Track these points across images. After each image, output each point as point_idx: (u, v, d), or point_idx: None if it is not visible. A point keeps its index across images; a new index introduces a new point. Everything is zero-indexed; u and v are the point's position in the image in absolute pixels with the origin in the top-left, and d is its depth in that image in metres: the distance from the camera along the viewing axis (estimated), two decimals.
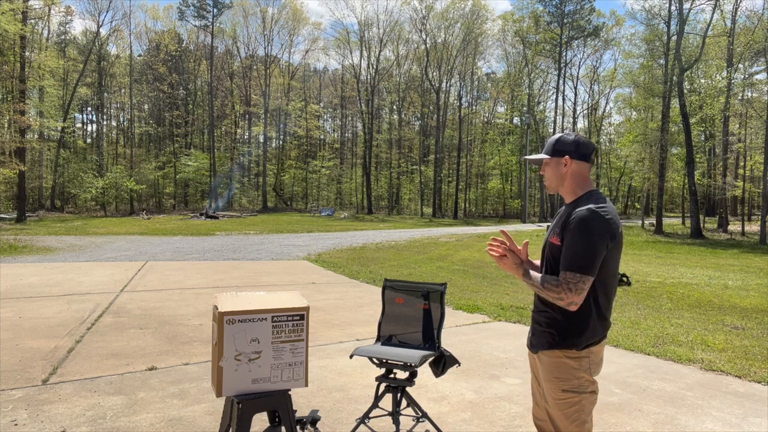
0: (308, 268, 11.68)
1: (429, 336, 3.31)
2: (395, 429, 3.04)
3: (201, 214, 36.51)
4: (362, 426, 3.27)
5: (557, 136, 2.29)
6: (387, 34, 50.50)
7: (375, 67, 50.92)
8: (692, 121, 29.01)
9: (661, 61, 29.85)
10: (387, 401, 3.34)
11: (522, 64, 51.67)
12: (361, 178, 56.04)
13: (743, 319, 7.10)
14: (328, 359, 4.93)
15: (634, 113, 41.23)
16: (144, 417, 3.54)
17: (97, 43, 47.20)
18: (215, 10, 49.92)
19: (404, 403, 3.29)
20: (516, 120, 54.92)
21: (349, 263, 12.69)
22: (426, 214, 51.08)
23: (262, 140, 53.29)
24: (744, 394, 4.22)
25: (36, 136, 40.19)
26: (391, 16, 70.92)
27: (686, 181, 31.17)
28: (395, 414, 3.07)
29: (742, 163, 38.11)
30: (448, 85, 52.54)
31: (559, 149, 2.24)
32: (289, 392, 2.45)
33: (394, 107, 60.76)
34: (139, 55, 55.32)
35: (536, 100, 54.26)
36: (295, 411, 2.56)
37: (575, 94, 71.58)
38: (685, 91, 27.70)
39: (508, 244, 2.19)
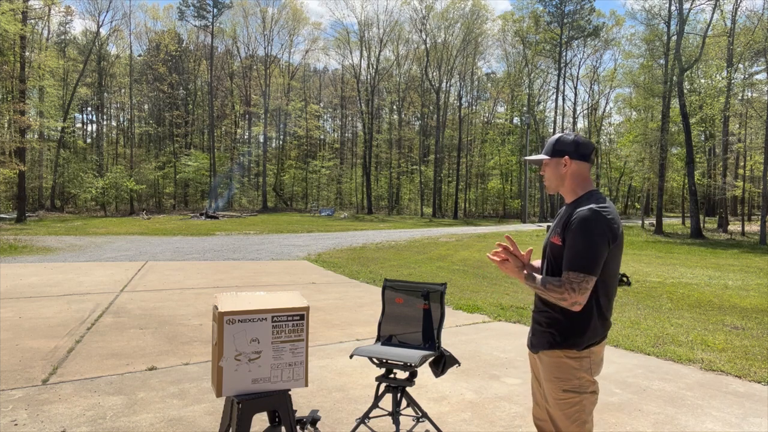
0: (308, 268, 11.68)
1: (429, 336, 3.31)
2: (395, 429, 3.04)
3: (201, 214, 36.51)
4: (362, 426, 3.27)
5: (557, 136, 2.29)
6: (387, 34, 50.55)
7: (375, 67, 50.94)
8: (692, 121, 29.01)
9: (661, 61, 29.85)
10: (387, 401, 3.34)
11: (522, 64, 51.67)
12: (361, 178, 56.05)
13: (743, 319, 7.10)
14: (328, 359, 4.93)
15: (634, 113, 41.24)
16: (144, 417, 3.54)
17: (97, 43, 47.21)
18: (215, 10, 49.94)
19: (404, 403, 3.28)
20: (516, 120, 54.94)
21: (349, 263, 12.68)
22: (426, 214, 51.08)
23: (262, 140, 53.31)
24: (744, 394, 4.22)
25: (36, 136, 40.19)
26: (391, 16, 71.03)
27: (686, 181, 31.18)
28: (395, 414, 3.07)
29: (742, 163, 38.12)
30: (448, 85, 52.59)
31: (558, 149, 2.24)
32: (289, 392, 2.45)
33: (394, 107, 60.77)
34: (139, 55, 55.34)
35: (536, 100, 54.28)
36: (295, 411, 2.56)
37: (575, 94, 71.68)
38: (685, 91, 27.70)
39: (512, 248, 2.20)
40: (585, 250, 2.02)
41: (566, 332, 2.12)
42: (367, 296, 8.32)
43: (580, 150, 2.22)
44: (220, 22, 51.15)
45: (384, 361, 3.14)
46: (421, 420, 3.29)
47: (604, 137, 60.34)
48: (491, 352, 5.31)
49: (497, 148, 54.96)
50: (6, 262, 11.69)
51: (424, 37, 48.95)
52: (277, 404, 2.43)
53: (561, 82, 50.65)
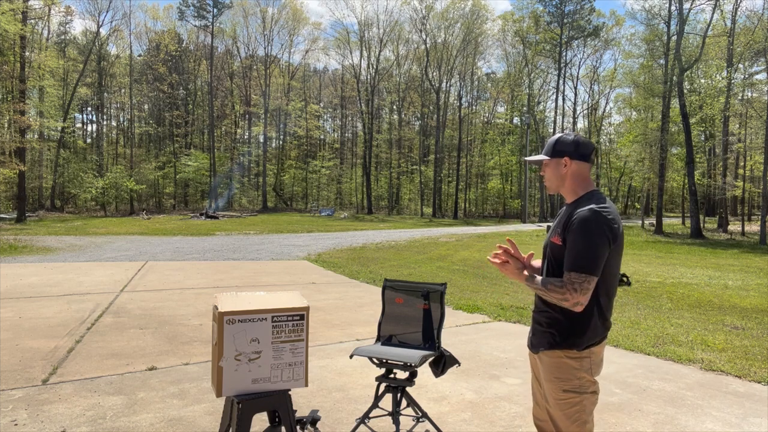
0: (308, 268, 11.68)
1: (429, 336, 3.31)
2: (395, 429, 3.04)
3: (201, 214, 36.51)
4: (362, 426, 3.27)
5: (557, 136, 2.29)
6: (387, 34, 50.56)
7: (375, 67, 50.94)
8: (692, 121, 29.01)
9: (661, 61, 29.85)
10: (387, 401, 3.34)
11: (522, 64, 51.67)
12: (361, 178, 56.05)
13: (743, 319, 7.10)
14: (328, 359, 4.93)
15: (634, 113, 41.24)
16: (144, 417, 3.54)
17: (97, 43, 47.21)
18: (215, 10, 49.95)
19: (404, 403, 3.28)
20: (516, 120, 54.94)
21: (349, 263, 12.69)
22: (426, 214, 51.09)
23: (262, 140, 53.31)
24: (744, 394, 4.22)
25: (36, 136, 40.18)
26: (391, 16, 71.00)
27: (686, 181, 31.18)
28: (395, 414, 3.07)
29: (742, 163, 38.12)
30: (448, 85, 52.59)
31: (558, 150, 2.24)
32: (289, 392, 2.45)
33: (394, 107, 60.77)
34: (139, 55, 55.33)
35: (536, 100, 54.28)
36: (295, 411, 2.56)
37: (575, 94, 71.70)
38: (685, 91, 27.70)
39: (512, 251, 2.20)
40: (586, 251, 2.02)
41: (566, 332, 2.12)
42: (367, 296, 8.32)
43: (580, 150, 2.22)
44: (220, 22, 51.23)
45: (384, 361, 3.14)
46: (421, 420, 3.29)
47: (604, 137, 60.37)
48: (491, 352, 5.31)
49: (497, 148, 54.96)
50: (6, 262, 11.69)
51: (424, 37, 49.00)
52: (277, 404, 2.43)
53: (561, 82, 50.71)
